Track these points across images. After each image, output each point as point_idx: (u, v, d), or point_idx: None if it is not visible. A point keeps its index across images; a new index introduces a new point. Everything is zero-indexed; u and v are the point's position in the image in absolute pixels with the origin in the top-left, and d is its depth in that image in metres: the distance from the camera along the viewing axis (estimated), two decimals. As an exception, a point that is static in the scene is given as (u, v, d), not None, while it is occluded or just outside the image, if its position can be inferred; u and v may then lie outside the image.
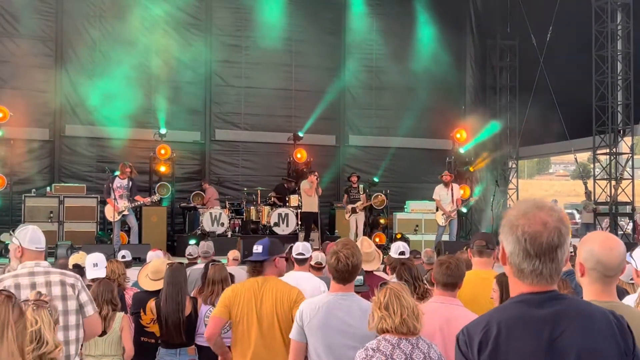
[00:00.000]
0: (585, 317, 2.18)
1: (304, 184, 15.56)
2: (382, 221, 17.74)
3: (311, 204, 15.36)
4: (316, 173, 15.67)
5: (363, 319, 3.83)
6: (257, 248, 4.85)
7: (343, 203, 16.41)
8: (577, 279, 2.89)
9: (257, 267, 4.86)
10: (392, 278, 6.73)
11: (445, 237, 15.16)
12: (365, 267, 6.31)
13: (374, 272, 6.91)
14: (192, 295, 6.77)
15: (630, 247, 4.38)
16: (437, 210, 15.52)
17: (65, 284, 4.39)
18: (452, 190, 15.19)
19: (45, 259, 4.75)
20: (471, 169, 18.62)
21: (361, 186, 16.41)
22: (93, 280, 6.34)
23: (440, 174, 15.71)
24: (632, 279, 4.78)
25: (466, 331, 2.28)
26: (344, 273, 4.15)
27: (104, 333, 5.73)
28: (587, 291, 2.82)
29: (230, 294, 4.88)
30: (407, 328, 3.52)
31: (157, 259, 7.67)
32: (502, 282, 4.25)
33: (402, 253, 7.41)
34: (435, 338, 3.98)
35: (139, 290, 7.07)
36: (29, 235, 4.49)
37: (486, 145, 20.77)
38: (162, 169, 16.95)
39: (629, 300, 3.70)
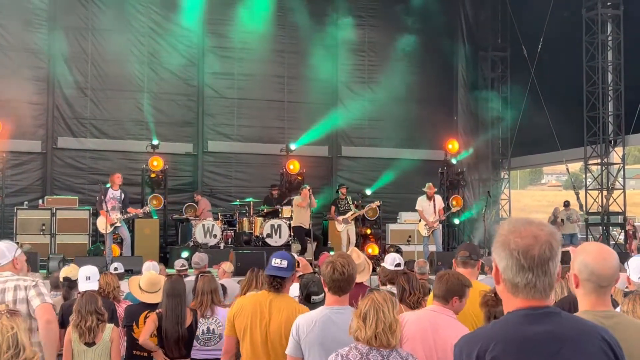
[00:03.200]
0: (578, 336, 2.21)
1: (296, 199, 15.47)
2: (368, 231, 17.54)
3: (303, 218, 15.20)
4: (308, 187, 15.58)
5: None
6: (281, 263, 4.60)
7: (331, 215, 16.35)
8: (571, 289, 2.92)
9: (279, 282, 4.61)
10: (391, 288, 6.70)
11: (431, 248, 15.19)
12: (356, 278, 6.26)
13: (364, 283, 6.89)
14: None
15: (622, 257, 4.41)
16: (419, 221, 15.57)
17: (17, 289, 4.63)
18: (434, 201, 15.28)
19: (37, 271, 4.91)
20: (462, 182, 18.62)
21: (349, 197, 16.37)
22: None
23: (423, 186, 15.60)
24: (626, 287, 4.84)
25: (462, 343, 2.30)
26: (339, 282, 4.12)
27: (92, 344, 5.65)
28: (582, 302, 2.87)
29: (234, 308, 4.78)
30: (379, 342, 3.53)
31: (150, 272, 7.63)
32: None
33: (397, 265, 7.39)
34: (417, 341, 4.04)
35: (132, 303, 7.02)
36: None
37: (478, 155, 20.85)
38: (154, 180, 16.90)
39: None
